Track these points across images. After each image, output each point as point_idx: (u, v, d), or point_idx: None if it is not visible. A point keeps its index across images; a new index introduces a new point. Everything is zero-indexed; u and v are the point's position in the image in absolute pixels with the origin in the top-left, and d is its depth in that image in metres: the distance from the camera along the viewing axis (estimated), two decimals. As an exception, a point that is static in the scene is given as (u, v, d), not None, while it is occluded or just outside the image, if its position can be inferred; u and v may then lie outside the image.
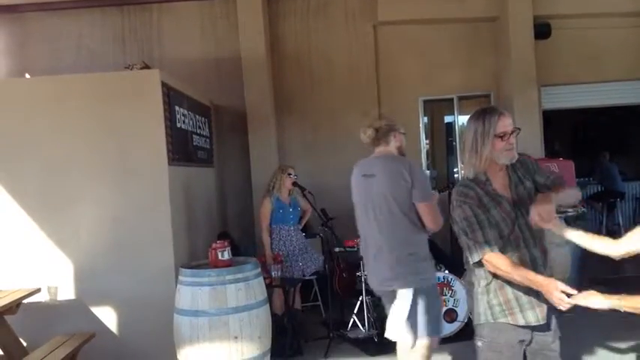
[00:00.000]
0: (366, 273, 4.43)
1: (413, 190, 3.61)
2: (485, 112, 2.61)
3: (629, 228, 2.49)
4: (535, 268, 2.51)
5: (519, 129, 2.60)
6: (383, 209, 3.67)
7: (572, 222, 6.63)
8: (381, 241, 3.70)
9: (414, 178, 3.62)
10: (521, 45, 7.62)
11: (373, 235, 3.76)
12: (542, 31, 7.75)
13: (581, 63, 7.92)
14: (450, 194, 7.02)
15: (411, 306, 3.58)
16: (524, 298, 2.54)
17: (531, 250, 2.58)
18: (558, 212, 7.36)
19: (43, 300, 4.84)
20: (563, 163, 7.15)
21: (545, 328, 2.60)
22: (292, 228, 5.69)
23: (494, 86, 8.10)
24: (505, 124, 2.55)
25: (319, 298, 6.56)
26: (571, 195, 2.76)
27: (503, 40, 7.81)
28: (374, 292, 4.08)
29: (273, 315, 5.14)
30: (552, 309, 2.49)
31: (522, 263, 2.51)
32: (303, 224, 6.06)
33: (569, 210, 6.48)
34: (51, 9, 7.72)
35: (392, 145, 3.87)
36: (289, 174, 5.67)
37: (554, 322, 2.64)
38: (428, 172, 8.24)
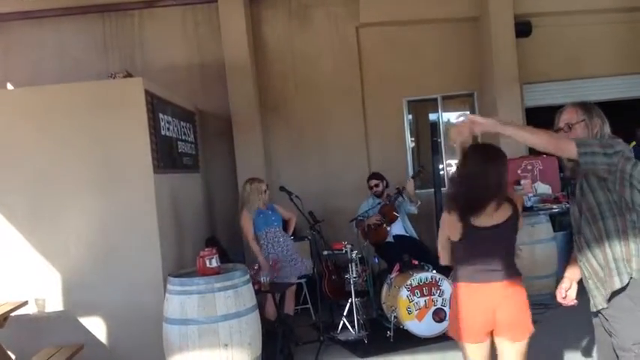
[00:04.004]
0: None
1: None
2: None
3: None
4: None
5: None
6: None
7: (557, 218, 6.72)
8: None
9: None
10: (502, 44, 7.70)
11: None
12: (523, 29, 7.84)
13: (563, 60, 8.00)
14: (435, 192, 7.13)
15: None
16: None
17: None
18: (541, 209, 7.29)
19: (30, 312, 4.81)
20: (547, 160, 7.23)
21: None
22: (278, 230, 5.69)
23: (478, 85, 8.17)
24: (559, 119, 2.85)
25: (309, 301, 6.58)
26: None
27: (485, 40, 7.88)
28: None
29: (267, 321, 5.15)
30: None
31: None
32: (290, 232, 6.02)
33: (554, 207, 6.55)
34: (31, 17, 7.67)
35: None
36: (264, 190, 5.67)
37: None
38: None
